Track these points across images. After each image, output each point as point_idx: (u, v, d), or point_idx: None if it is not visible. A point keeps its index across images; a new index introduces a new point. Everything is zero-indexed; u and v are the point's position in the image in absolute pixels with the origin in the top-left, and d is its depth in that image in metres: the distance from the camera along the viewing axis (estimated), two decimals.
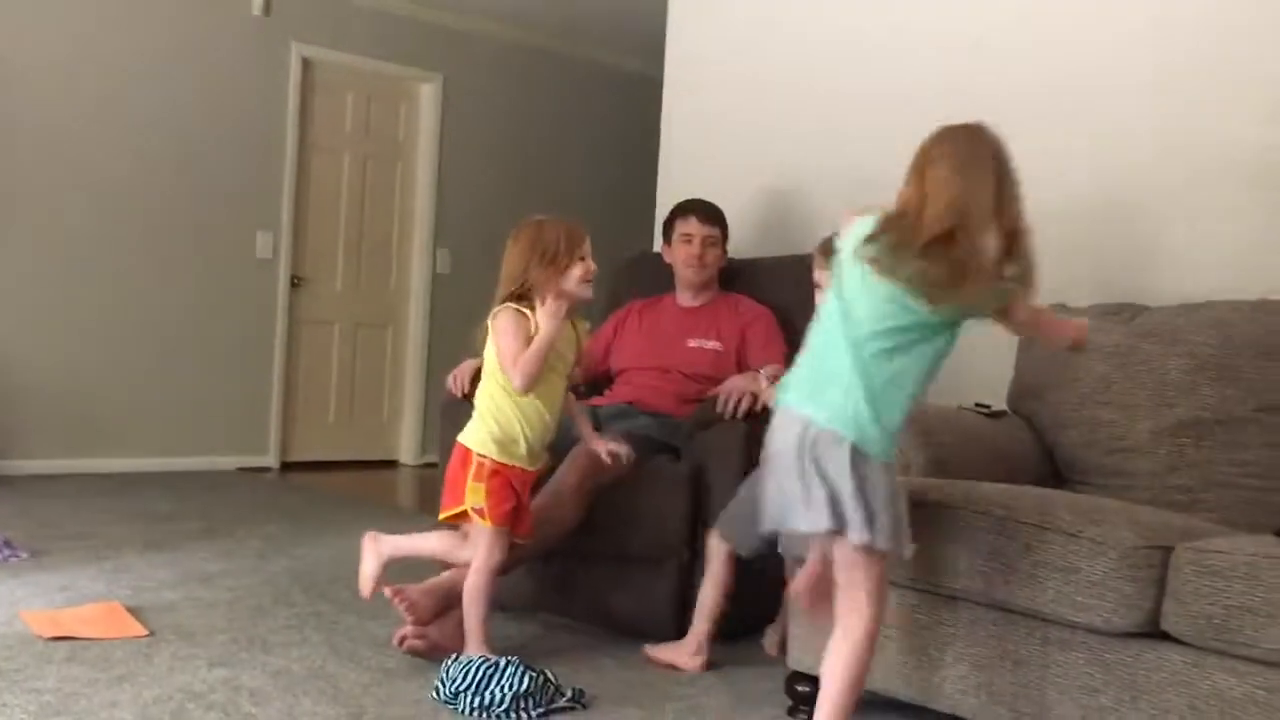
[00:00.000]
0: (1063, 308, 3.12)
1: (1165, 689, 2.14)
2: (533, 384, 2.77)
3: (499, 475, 2.77)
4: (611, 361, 3.67)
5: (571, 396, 3.00)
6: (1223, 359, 2.76)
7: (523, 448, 2.80)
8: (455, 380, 3.51)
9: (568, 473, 3.05)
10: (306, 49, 6.56)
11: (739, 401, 3.15)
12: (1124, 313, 3.00)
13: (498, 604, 3.24)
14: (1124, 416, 2.86)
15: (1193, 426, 2.77)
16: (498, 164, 7.33)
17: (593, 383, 3.71)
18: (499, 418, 2.80)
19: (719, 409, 3.15)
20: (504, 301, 2.82)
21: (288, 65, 6.49)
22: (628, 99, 7.39)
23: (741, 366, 3.49)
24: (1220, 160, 3.14)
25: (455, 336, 6.84)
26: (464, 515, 2.80)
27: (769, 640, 3.07)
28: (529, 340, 2.77)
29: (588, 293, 2.84)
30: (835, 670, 2.14)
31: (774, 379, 3.33)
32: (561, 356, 2.85)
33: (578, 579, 3.21)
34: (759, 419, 3.12)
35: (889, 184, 3.64)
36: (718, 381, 3.34)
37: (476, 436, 2.82)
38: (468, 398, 3.48)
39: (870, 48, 3.87)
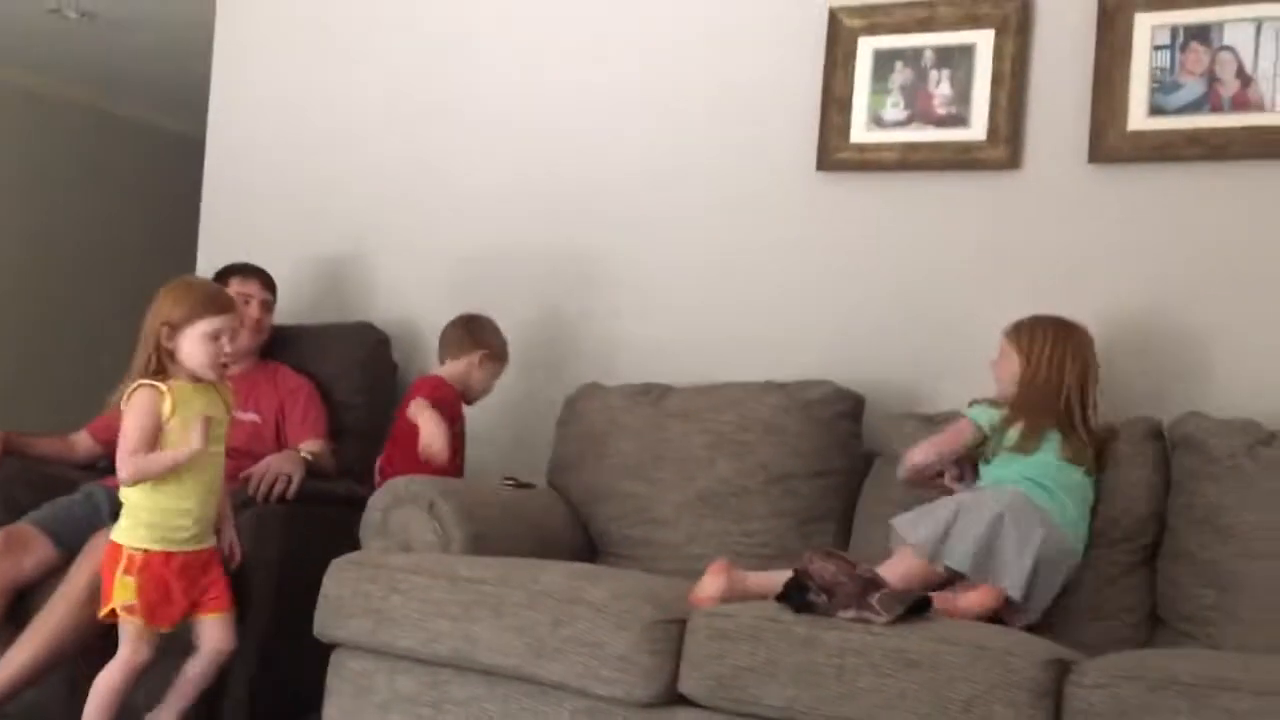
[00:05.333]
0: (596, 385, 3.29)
1: None
2: (143, 481, 2.56)
3: (149, 567, 2.55)
4: None
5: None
6: (736, 435, 3.00)
7: (188, 530, 2.59)
8: None
9: (80, 571, 2.79)
10: None
11: (273, 484, 3.00)
12: (651, 392, 3.19)
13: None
14: (651, 490, 3.03)
15: (711, 498, 2.98)
16: (28, 220, 6.68)
17: (114, 457, 3.43)
18: (149, 502, 2.57)
19: (250, 491, 2.99)
20: (143, 374, 2.59)
21: None
22: (165, 158, 7.00)
23: (281, 440, 3.36)
24: None
25: None
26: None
27: None
28: (158, 423, 2.55)
29: (210, 374, 2.62)
30: None
31: (316, 456, 3.24)
32: (215, 430, 2.63)
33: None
34: (298, 502, 3.02)
35: (439, 249, 3.74)
36: (257, 457, 3.17)
37: (124, 526, 2.59)
38: None
39: (416, 113, 3.90)
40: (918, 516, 2.57)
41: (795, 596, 2.29)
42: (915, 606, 2.23)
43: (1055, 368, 2.66)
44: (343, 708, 2.57)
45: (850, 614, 2.21)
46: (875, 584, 2.27)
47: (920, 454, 2.74)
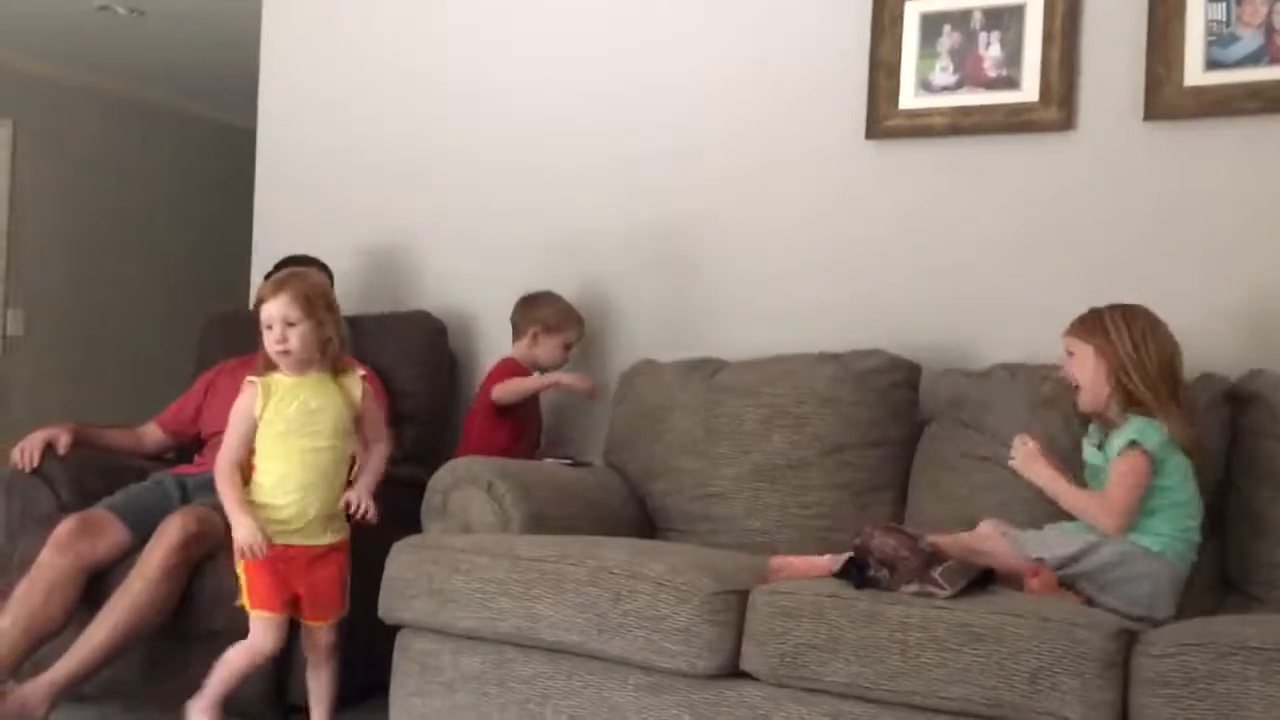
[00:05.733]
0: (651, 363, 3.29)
1: None
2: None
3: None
4: (202, 425, 3.47)
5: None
6: (791, 407, 2.99)
7: (289, 525, 2.63)
8: (23, 453, 3.21)
9: (154, 552, 2.85)
10: None
11: None
12: (705, 367, 3.18)
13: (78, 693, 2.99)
14: (707, 465, 3.03)
15: (767, 472, 2.97)
16: (79, 217, 6.79)
17: (182, 448, 3.51)
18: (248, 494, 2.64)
19: None
20: (264, 361, 2.67)
21: None
22: (219, 150, 7.07)
23: None
24: None
25: (30, 404, 6.28)
26: None
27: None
28: (254, 425, 2.62)
29: (281, 365, 2.65)
30: None
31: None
32: (315, 425, 2.64)
33: (169, 660, 2.98)
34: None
35: (489, 237, 3.76)
36: None
37: None
38: (38, 472, 3.21)
39: (463, 102, 3.92)
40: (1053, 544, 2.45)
41: (856, 574, 2.28)
42: (978, 580, 2.22)
43: (1150, 350, 2.48)
44: (409, 687, 2.61)
45: (913, 588, 2.20)
46: (937, 558, 2.26)
47: (1115, 521, 2.41)
